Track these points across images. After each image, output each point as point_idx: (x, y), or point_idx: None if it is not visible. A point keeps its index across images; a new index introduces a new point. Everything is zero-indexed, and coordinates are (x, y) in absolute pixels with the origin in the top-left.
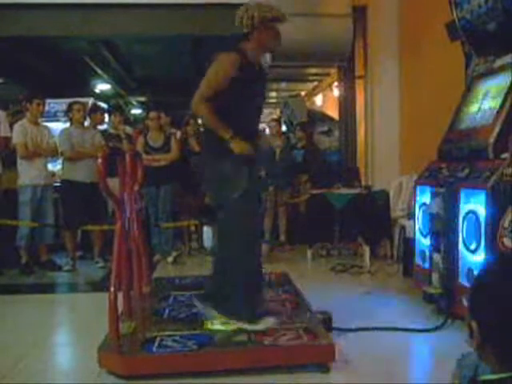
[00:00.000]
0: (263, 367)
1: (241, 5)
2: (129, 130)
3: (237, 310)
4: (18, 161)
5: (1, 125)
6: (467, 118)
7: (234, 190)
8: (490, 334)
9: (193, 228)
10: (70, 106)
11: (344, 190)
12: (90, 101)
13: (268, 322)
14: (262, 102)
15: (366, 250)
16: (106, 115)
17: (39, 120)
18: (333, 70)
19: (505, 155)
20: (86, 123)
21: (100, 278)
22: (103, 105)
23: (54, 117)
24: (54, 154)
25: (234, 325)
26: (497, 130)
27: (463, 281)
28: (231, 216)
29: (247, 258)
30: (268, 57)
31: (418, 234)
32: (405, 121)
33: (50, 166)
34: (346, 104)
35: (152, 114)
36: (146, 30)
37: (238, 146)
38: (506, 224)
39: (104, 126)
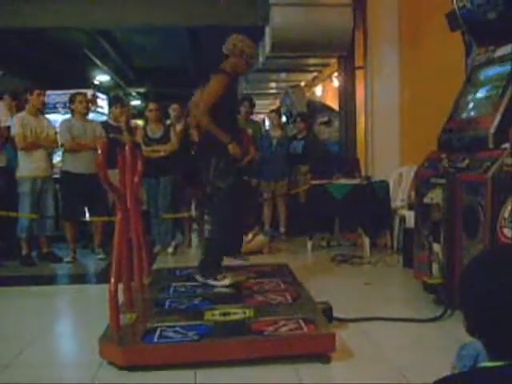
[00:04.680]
0: (264, 357)
1: None
2: (135, 123)
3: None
4: (18, 153)
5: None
6: (467, 107)
7: (224, 183)
8: (473, 325)
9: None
10: (73, 97)
11: (344, 181)
12: (90, 92)
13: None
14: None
15: (366, 240)
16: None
17: (39, 111)
18: (333, 61)
19: (505, 145)
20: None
21: (100, 269)
22: (102, 95)
23: (53, 108)
24: (53, 145)
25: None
26: (497, 119)
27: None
28: (221, 200)
29: (225, 234)
30: (267, 47)
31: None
32: (405, 111)
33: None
34: (346, 94)
35: (151, 106)
36: (145, 20)
37: (234, 149)
38: (507, 214)
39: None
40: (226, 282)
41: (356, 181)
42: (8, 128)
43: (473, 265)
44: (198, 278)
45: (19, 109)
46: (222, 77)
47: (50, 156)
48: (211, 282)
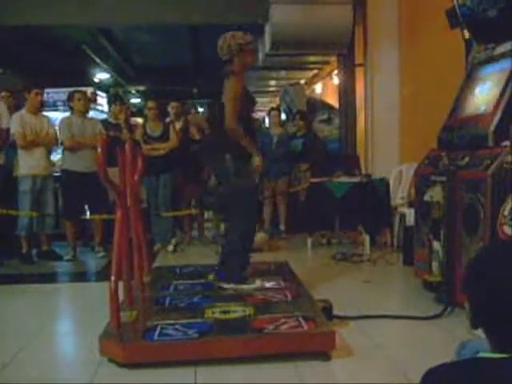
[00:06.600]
0: (264, 355)
1: None
2: (134, 121)
3: (230, 274)
4: (18, 151)
5: (2, 117)
6: (467, 105)
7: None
8: (481, 317)
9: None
10: (72, 94)
11: (344, 179)
12: (89, 90)
13: (256, 283)
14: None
15: (366, 238)
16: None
17: (38, 110)
18: (332, 58)
19: (505, 143)
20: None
21: (101, 267)
22: (102, 93)
23: (53, 106)
24: (53, 143)
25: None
26: (497, 117)
27: (463, 269)
28: (240, 199)
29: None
30: (267, 45)
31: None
32: (405, 109)
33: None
34: (346, 92)
35: (150, 104)
36: (145, 18)
37: (260, 161)
38: (506, 212)
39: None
40: (255, 284)
41: (356, 178)
42: (8, 129)
43: (484, 257)
44: (224, 285)
45: (18, 107)
46: (236, 79)
47: (49, 154)
48: (240, 286)
